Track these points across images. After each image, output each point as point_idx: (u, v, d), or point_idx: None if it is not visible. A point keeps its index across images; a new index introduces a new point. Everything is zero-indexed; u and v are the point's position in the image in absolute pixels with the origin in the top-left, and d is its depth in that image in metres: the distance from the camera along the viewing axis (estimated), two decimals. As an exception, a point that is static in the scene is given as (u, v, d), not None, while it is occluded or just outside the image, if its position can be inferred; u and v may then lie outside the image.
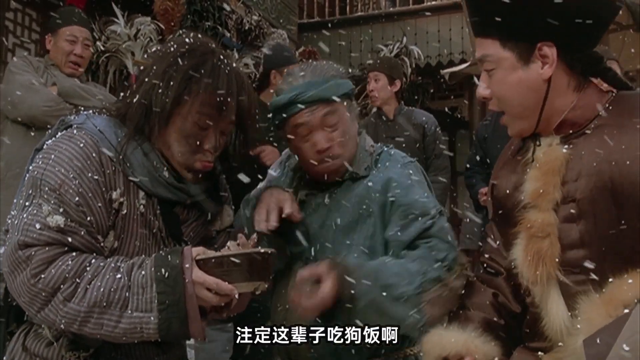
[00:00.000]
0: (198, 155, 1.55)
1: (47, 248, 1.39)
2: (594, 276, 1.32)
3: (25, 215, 1.42)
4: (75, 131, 1.51)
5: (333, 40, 9.25)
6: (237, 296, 1.45)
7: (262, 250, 1.47)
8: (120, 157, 1.49)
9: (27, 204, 1.44)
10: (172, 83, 1.48)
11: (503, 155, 1.64)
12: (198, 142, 1.54)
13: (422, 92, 8.36)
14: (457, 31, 8.49)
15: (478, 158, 4.17)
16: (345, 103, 1.78)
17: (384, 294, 1.57)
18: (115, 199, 1.49)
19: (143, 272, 1.41)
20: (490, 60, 1.43)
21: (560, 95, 1.41)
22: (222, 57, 1.55)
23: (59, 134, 1.53)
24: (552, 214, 1.38)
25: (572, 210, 1.37)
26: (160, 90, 1.48)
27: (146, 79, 1.52)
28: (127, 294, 1.39)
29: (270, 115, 1.81)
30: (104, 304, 1.38)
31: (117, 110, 1.57)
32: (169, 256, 1.43)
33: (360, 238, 1.74)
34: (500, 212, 1.57)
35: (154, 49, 1.67)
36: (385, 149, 1.91)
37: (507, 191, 1.51)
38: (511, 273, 1.55)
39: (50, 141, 1.52)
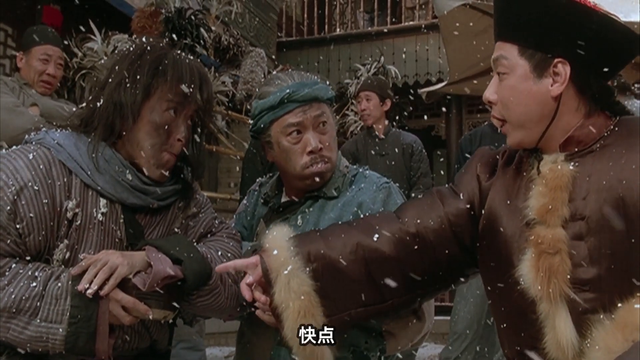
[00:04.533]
0: (167, 146, 1.59)
1: None
2: (603, 294, 1.32)
3: None
4: (32, 146, 1.54)
5: (311, 58, 9.30)
6: (151, 317, 1.49)
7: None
8: (79, 166, 1.52)
9: None
10: (138, 76, 1.55)
11: (501, 166, 1.58)
12: (168, 133, 1.58)
13: (399, 111, 8.41)
14: (434, 51, 8.58)
15: None
16: (330, 109, 1.79)
17: None
18: (69, 209, 1.50)
19: (59, 284, 1.43)
20: (505, 64, 1.44)
21: (568, 116, 1.42)
22: (178, 52, 1.64)
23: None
24: (561, 231, 1.38)
25: (581, 228, 1.36)
26: (128, 85, 1.54)
27: (110, 80, 1.57)
28: (38, 303, 1.42)
29: (252, 121, 1.81)
30: (14, 310, 1.40)
31: (78, 119, 1.60)
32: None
33: None
34: (491, 227, 1.52)
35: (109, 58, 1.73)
36: (361, 170, 1.88)
37: (508, 201, 1.49)
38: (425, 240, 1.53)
39: (4, 151, 1.55)
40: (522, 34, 1.42)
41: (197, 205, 1.76)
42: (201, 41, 5.90)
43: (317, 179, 1.76)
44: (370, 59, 8.50)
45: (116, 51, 5.37)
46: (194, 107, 1.62)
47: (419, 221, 1.54)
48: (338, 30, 9.93)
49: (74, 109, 3.34)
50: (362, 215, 1.71)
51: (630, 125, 1.42)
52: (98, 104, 1.57)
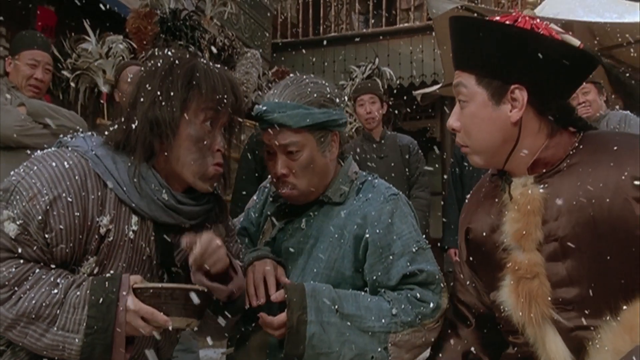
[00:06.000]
0: (209, 158, 1.56)
1: None
2: (588, 312, 1.34)
3: None
4: (68, 152, 1.50)
5: (306, 60, 9.30)
6: (170, 328, 1.45)
7: (200, 289, 1.48)
8: (116, 181, 1.49)
9: None
10: (172, 92, 1.51)
11: (474, 198, 1.65)
12: (208, 145, 1.55)
13: (394, 113, 8.42)
14: (429, 53, 8.60)
15: (458, 172, 4.30)
16: (315, 134, 1.70)
17: (348, 323, 1.60)
18: (102, 226, 1.48)
19: (78, 293, 1.40)
20: (465, 92, 1.45)
21: (530, 138, 1.44)
22: (205, 61, 1.60)
23: (53, 149, 1.53)
24: (537, 254, 1.40)
25: (556, 249, 1.38)
26: (163, 102, 1.50)
27: (141, 99, 1.52)
28: (57, 311, 1.39)
29: None
30: (33, 316, 1.38)
31: (113, 142, 1.54)
32: (107, 282, 1.42)
33: (327, 268, 1.74)
34: (477, 254, 1.57)
35: (134, 74, 1.67)
36: (370, 178, 1.84)
37: (484, 233, 1.52)
38: (481, 320, 1.59)
39: (40, 152, 1.51)
40: (477, 63, 1.43)
41: (227, 229, 1.73)
42: (196, 42, 5.90)
43: (288, 200, 1.78)
44: (365, 60, 8.52)
45: (111, 52, 5.40)
46: (228, 115, 1.59)
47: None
48: (333, 31, 9.93)
49: (63, 110, 3.33)
50: (367, 226, 1.71)
51: (594, 141, 1.43)
52: (133, 125, 1.51)
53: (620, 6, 4.67)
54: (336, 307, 1.61)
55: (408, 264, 1.68)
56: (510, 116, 1.41)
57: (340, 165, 1.84)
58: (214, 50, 6.41)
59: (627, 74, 1.43)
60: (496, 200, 1.51)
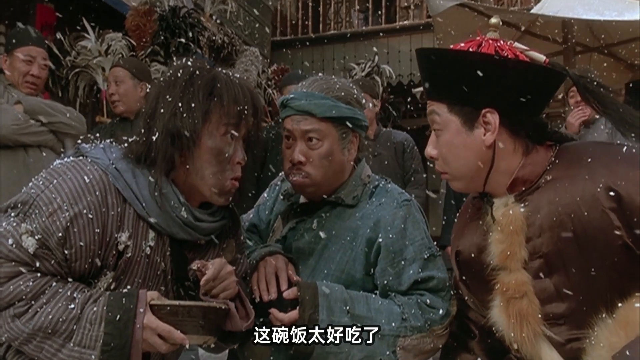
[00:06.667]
0: (228, 172, 1.54)
1: (12, 263, 1.38)
2: (579, 324, 1.35)
3: (4, 225, 1.40)
4: (88, 164, 1.47)
5: (306, 58, 9.30)
6: (187, 346, 1.44)
7: (217, 306, 1.48)
8: (135, 196, 1.47)
9: (12, 213, 1.42)
10: (194, 104, 1.48)
11: (461, 220, 1.66)
12: (228, 157, 1.54)
13: (393, 110, 8.43)
14: (429, 51, 8.58)
15: None
16: (338, 128, 1.72)
17: (358, 324, 1.60)
18: (121, 242, 1.47)
19: (95, 309, 1.39)
20: (438, 120, 1.47)
21: (506, 159, 1.45)
22: (225, 71, 1.58)
23: (71, 158, 1.50)
24: (523, 273, 1.41)
25: (542, 266, 1.39)
26: (185, 115, 1.47)
27: (161, 110, 1.49)
28: (74, 327, 1.38)
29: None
30: (49, 331, 1.37)
31: (133, 154, 1.52)
32: (124, 298, 1.41)
33: (338, 269, 1.74)
34: (468, 275, 1.59)
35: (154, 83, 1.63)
36: (383, 183, 1.86)
37: (472, 255, 1.53)
38: (484, 332, 1.60)
39: (59, 162, 1.49)
40: (447, 92, 1.45)
41: (238, 246, 1.73)
42: (195, 40, 5.90)
43: (298, 189, 1.78)
44: (364, 58, 8.52)
45: (110, 50, 5.40)
46: (248, 127, 1.58)
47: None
48: (333, 29, 9.93)
49: (60, 106, 3.33)
50: (380, 230, 1.71)
51: (569, 154, 1.44)
52: (153, 138, 1.49)
53: (620, 4, 4.67)
54: (347, 307, 1.61)
55: (419, 270, 1.69)
56: (484, 140, 1.42)
57: (355, 169, 1.84)
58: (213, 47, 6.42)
59: (595, 83, 1.43)
60: (480, 222, 1.53)
